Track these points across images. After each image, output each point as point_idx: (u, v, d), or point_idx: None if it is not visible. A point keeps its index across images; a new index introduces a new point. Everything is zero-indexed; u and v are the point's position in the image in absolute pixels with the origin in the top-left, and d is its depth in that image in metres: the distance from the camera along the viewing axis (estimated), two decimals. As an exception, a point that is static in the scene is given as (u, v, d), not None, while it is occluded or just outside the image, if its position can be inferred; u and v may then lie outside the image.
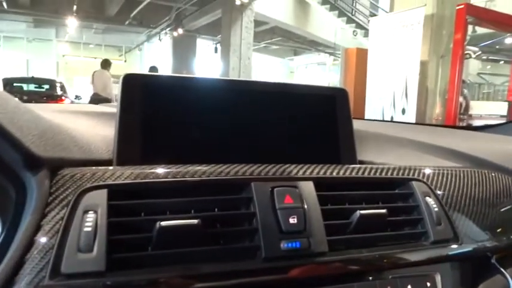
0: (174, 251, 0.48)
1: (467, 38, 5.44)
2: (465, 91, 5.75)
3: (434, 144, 0.88)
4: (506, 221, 0.72)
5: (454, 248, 0.62)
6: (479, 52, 6.10)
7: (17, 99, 0.53)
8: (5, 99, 0.48)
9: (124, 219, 0.48)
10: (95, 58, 15.23)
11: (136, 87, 0.63)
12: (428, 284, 0.59)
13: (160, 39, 15.05)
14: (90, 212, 0.47)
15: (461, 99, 5.30)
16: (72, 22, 13.48)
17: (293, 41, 14.80)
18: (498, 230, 0.70)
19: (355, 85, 7.02)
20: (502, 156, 0.88)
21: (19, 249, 0.43)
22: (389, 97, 5.62)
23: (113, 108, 0.71)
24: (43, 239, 0.44)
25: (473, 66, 6.68)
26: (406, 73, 5.39)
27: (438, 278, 0.60)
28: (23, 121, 0.48)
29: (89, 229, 0.45)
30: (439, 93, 5.62)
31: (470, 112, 5.82)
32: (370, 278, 0.56)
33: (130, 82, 0.63)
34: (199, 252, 0.49)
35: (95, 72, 6.88)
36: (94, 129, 0.70)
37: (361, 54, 7.02)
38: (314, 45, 14.32)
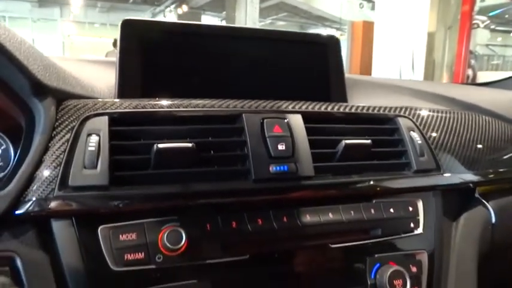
0: (171, 171, 0.52)
1: (476, 8, 5.33)
2: (473, 62, 5.67)
3: (424, 90, 0.90)
4: (488, 157, 0.76)
5: (436, 178, 0.66)
6: (488, 21, 5.99)
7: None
8: (13, 33, 0.52)
9: (124, 142, 0.53)
10: (100, 37, 15.19)
11: (136, 30, 0.67)
12: (411, 209, 0.63)
13: (164, 16, 14.93)
14: (93, 135, 0.51)
15: (469, 71, 5.24)
16: (76, 1, 13.39)
17: (299, 16, 14.57)
18: (480, 164, 0.73)
19: (362, 59, 6.95)
20: (490, 102, 0.90)
21: (30, 166, 0.48)
22: (396, 70, 5.57)
23: None
24: (51, 158, 0.49)
25: (481, 38, 6.55)
26: (413, 45, 5.32)
27: (420, 204, 0.64)
28: (28, 53, 0.51)
29: (93, 148, 0.50)
30: (446, 65, 5.55)
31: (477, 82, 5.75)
32: (355, 201, 0.60)
33: (130, 25, 0.67)
34: (195, 173, 0.53)
35: (108, 52, 6.95)
36: (97, 75, 0.74)
37: (368, 28, 6.91)
38: (321, 20, 14.11)
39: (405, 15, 5.35)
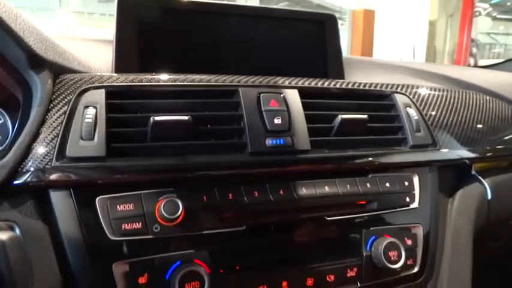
0: (168, 143, 0.53)
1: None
2: (474, 50, 5.63)
3: (423, 70, 0.90)
4: (485, 134, 0.76)
5: (432, 153, 0.67)
6: (490, 9, 5.94)
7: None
8: (8, 5, 0.52)
9: (121, 115, 0.53)
10: (100, 28, 15.08)
11: (132, 5, 0.66)
12: (406, 184, 0.64)
13: None
14: (90, 107, 0.52)
15: (470, 59, 5.21)
16: (75, -9, 13.25)
17: (300, 5, 14.47)
18: (477, 142, 0.74)
19: (363, 48, 6.90)
20: (489, 82, 0.90)
21: (27, 137, 0.48)
22: (397, 59, 5.54)
23: None
24: (48, 129, 0.49)
25: (483, 26, 6.51)
26: (414, 34, 5.28)
27: (416, 179, 0.65)
28: (24, 25, 0.51)
29: (90, 120, 0.50)
30: (448, 53, 5.52)
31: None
32: (350, 175, 0.60)
33: (126, 0, 0.66)
34: (191, 146, 0.54)
35: None
36: (94, 53, 0.74)
37: (369, 16, 6.86)
38: (321, 9, 14.00)
39: (406, 3, 5.30)
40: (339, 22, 0.81)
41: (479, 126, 0.77)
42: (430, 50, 5.36)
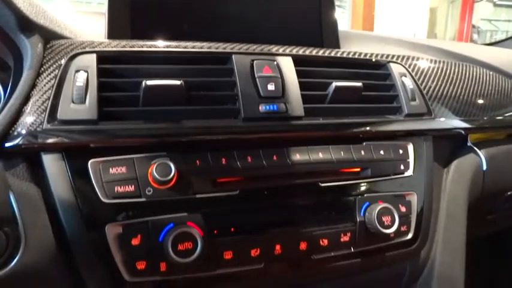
0: (160, 108, 0.52)
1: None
2: (475, 37, 5.59)
3: (420, 43, 0.90)
4: (481, 106, 0.76)
5: (427, 122, 0.66)
6: (491, -6, 5.89)
7: None
8: None
9: (113, 79, 0.53)
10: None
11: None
12: (401, 152, 0.63)
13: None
14: (81, 71, 0.51)
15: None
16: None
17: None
18: (473, 112, 0.73)
19: (363, 35, 6.85)
20: (487, 56, 0.90)
21: (18, 100, 0.48)
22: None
23: None
24: (39, 93, 0.49)
25: (485, 12, 6.45)
26: (414, 21, 5.23)
27: (410, 147, 0.64)
28: None
29: (81, 84, 0.50)
30: (448, 39, 5.48)
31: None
32: (345, 142, 0.60)
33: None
34: (184, 111, 0.54)
35: None
36: (87, 24, 0.73)
37: (369, 4, 6.80)
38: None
39: (407, -11, 5.25)
40: (340, 10, 0.80)
41: (476, 98, 0.76)
42: (430, 37, 5.32)
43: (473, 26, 5.46)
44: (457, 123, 0.70)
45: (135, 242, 0.48)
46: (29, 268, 0.46)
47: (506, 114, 0.80)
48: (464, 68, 0.79)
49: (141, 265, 0.48)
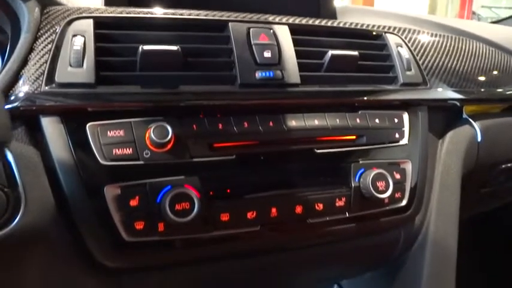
0: (157, 73, 0.53)
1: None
2: (475, 23, 5.55)
3: (420, 18, 0.90)
4: (477, 78, 0.76)
5: (423, 92, 0.67)
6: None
7: None
8: None
9: (110, 45, 0.53)
10: None
11: None
12: (396, 120, 0.64)
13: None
14: (78, 36, 0.51)
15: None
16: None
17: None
18: (468, 84, 0.74)
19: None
20: (485, 32, 0.90)
21: (15, 63, 0.48)
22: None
23: None
24: (37, 56, 0.50)
25: (485, 0, 6.42)
26: (415, 7, 5.19)
27: (405, 116, 0.65)
28: None
29: (78, 48, 0.50)
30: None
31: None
32: (340, 110, 0.61)
33: None
34: (181, 77, 0.54)
35: None
36: None
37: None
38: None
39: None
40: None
41: (473, 71, 0.77)
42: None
43: (474, 13, 5.42)
44: (453, 94, 0.71)
45: (133, 203, 0.49)
46: (29, 228, 0.46)
47: (503, 88, 0.80)
48: (462, 42, 0.79)
49: (139, 225, 0.49)
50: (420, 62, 0.69)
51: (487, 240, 1.48)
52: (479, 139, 0.74)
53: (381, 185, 0.58)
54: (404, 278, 0.73)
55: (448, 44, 0.77)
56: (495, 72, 0.81)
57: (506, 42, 0.88)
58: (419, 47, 0.72)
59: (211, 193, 0.52)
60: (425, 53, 0.72)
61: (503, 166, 0.83)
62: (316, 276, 0.71)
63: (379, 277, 0.78)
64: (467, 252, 1.47)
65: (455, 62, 0.75)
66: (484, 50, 0.82)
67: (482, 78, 0.78)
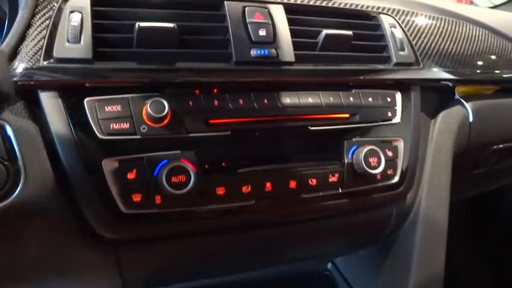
0: (154, 50, 0.54)
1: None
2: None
3: (414, 0, 0.90)
4: (470, 61, 0.77)
5: (415, 72, 0.68)
6: (490, -30, 5.82)
7: None
8: None
9: (107, 21, 0.54)
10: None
11: None
12: (389, 99, 0.65)
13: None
14: (75, 12, 0.52)
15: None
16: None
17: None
18: (461, 65, 0.75)
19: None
20: (481, 16, 0.91)
21: (14, 39, 0.49)
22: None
23: None
24: (35, 32, 0.50)
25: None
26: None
27: (398, 96, 0.66)
28: None
29: (76, 24, 0.51)
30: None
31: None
32: (334, 89, 0.62)
33: None
34: (177, 54, 0.55)
35: None
36: None
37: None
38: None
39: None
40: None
41: (466, 53, 0.78)
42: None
43: (471, 3, 5.41)
44: (445, 75, 0.72)
45: (130, 176, 0.50)
46: (29, 200, 0.48)
47: (495, 71, 0.82)
48: (457, 24, 0.80)
49: (136, 197, 0.50)
50: (414, 43, 0.70)
51: (483, 224, 1.51)
52: (471, 119, 0.76)
53: (373, 161, 0.59)
54: (396, 254, 0.75)
55: (443, 26, 0.77)
56: (489, 56, 0.82)
57: (501, 27, 0.89)
58: (413, 28, 0.73)
59: (207, 167, 0.53)
60: (420, 34, 0.73)
61: (494, 147, 0.84)
62: (310, 253, 0.72)
63: (372, 254, 0.80)
64: (463, 236, 1.50)
65: (449, 44, 0.76)
66: (479, 34, 0.83)
67: (475, 61, 0.79)
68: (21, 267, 0.52)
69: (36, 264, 0.52)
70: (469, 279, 1.42)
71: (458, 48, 0.77)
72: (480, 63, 0.80)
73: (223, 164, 0.54)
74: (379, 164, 0.60)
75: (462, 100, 0.76)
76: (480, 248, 1.48)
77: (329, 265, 0.91)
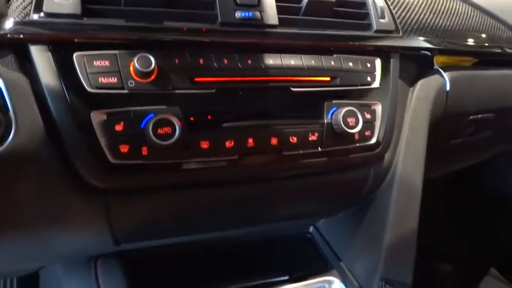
0: (142, 8, 0.55)
1: None
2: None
3: None
4: (449, 31, 0.80)
5: (395, 40, 0.71)
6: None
7: None
8: None
9: None
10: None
11: None
12: (369, 65, 0.68)
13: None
14: None
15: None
16: None
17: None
18: (439, 36, 0.78)
19: None
20: None
21: None
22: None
23: None
24: None
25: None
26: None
27: (378, 62, 0.69)
28: None
29: None
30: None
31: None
32: (316, 53, 0.64)
33: None
34: (164, 13, 0.57)
35: None
36: None
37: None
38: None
39: None
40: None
41: (447, 25, 0.81)
42: None
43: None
44: (424, 43, 0.75)
45: (118, 128, 0.52)
46: (20, 149, 0.50)
47: (475, 44, 0.85)
48: None
49: (124, 148, 0.52)
50: (395, 12, 0.73)
51: (463, 198, 1.56)
52: (448, 88, 0.79)
53: (351, 121, 0.62)
54: (373, 215, 0.79)
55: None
56: (470, 30, 0.85)
57: (490, 7, 0.91)
58: None
59: (191, 120, 0.55)
60: (401, 4, 0.76)
61: (471, 117, 0.88)
62: (291, 211, 0.76)
63: (351, 217, 0.84)
64: (444, 209, 1.56)
65: (430, 15, 0.79)
66: (462, 8, 0.85)
67: (455, 34, 0.82)
68: (12, 214, 0.54)
69: (27, 212, 0.55)
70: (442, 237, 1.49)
71: (439, 20, 0.80)
72: (460, 36, 0.83)
73: (208, 119, 0.57)
74: (357, 123, 0.63)
75: (440, 70, 0.79)
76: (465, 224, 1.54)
77: (311, 229, 0.95)
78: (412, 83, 0.78)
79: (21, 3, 0.51)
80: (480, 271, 1.53)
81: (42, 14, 0.51)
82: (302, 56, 0.63)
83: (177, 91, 0.56)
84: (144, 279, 0.77)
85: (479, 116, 0.89)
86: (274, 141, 0.60)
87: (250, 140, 0.59)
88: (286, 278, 0.82)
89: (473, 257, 1.60)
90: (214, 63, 0.57)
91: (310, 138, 0.62)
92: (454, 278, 1.54)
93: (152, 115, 0.53)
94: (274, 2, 0.62)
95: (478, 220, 1.62)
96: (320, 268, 0.86)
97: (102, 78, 0.52)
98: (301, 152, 0.62)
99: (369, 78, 0.68)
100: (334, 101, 0.64)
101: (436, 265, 1.57)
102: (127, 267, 0.75)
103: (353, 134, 0.63)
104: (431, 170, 0.82)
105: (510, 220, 1.48)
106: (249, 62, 0.59)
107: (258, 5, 0.60)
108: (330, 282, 0.76)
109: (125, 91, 0.53)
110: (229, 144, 0.57)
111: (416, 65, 0.78)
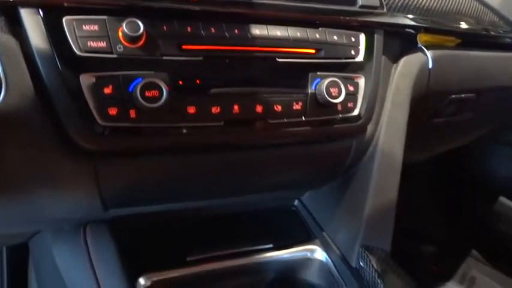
0: None
1: None
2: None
3: None
4: (434, 11, 0.82)
5: (379, 16, 0.73)
6: None
7: None
8: None
9: None
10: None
11: None
12: (353, 39, 0.70)
13: None
14: None
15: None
16: None
17: None
18: (424, 13, 0.80)
19: None
20: None
21: None
22: None
23: None
24: None
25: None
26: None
27: (362, 36, 0.71)
28: None
29: None
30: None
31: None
32: (301, 26, 0.66)
33: None
34: None
35: None
36: None
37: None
38: None
39: None
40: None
41: (432, 6, 0.82)
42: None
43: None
44: (408, 21, 0.77)
45: (107, 91, 0.54)
46: (11, 110, 0.51)
47: (459, 25, 0.87)
48: None
49: (112, 111, 0.54)
50: None
51: (447, 183, 1.61)
52: (430, 66, 0.81)
53: (334, 91, 0.64)
54: (355, 187, 0.82)
55: None
56: (455, 12, 0.87)
57: None
58: None
59: (179, 85, 0.57)
60: None
61: (453, 96, 0.90)
62: (275, 181, 0.78)
63: (334, 190, 0.87)
64: (428, 193, 1.61)
65: None
66: None
67: (440, 14, 0.84)
68: (3, 175, 0.56)
69: (18, 173, 0.56)
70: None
71: (429, 2, 0.82)
72: (445, 16, 0.85)
73: (195, 85, 0.58)
74: (339, 94, 0.65)
75: (423, 48, 0.81)
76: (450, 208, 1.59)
77: (296, 202, 0.98)
78: (395, 59, 0.80)
79: None
80: (463, 253, 1.58)
81: None
82: (288, 28, 0.65)
83: (165, 57, 0.57)
84: (133, 244, 0.79)
85: (462, 95, 0.92)
86: (259, 108, 0.62)
87: (236, 107, 0.60)
88: (270, 246, 0.85)
89: (457, 240, 1.65)
90: (202, 32, 0.59)
91: (294, 108, 0.64)
92: (438, 260, 1.59)
93: (140, 79, 0.55)
94: None
95: (461, 204, 1.67)
96: (303, 238, 0.89)
97: (91, 42, 0.54)
98: (285, 120, 0.64)
99: (352, 52, 0.70)
100: (318, 73, 0.66)
101: (420, 247, 1.62)
102: (116, 232, 0.77)
103: (336, 104, 0.65)
104: (416, 151, 0.85)
105: (491, 205, 1.53)
106: (236, 31, 0.61)
107: None
108: (312, 251, 0.79)
109: (114, 55, 0.54)
110: (215, 110, 0.59)
111: (400, 42, 0.80)
